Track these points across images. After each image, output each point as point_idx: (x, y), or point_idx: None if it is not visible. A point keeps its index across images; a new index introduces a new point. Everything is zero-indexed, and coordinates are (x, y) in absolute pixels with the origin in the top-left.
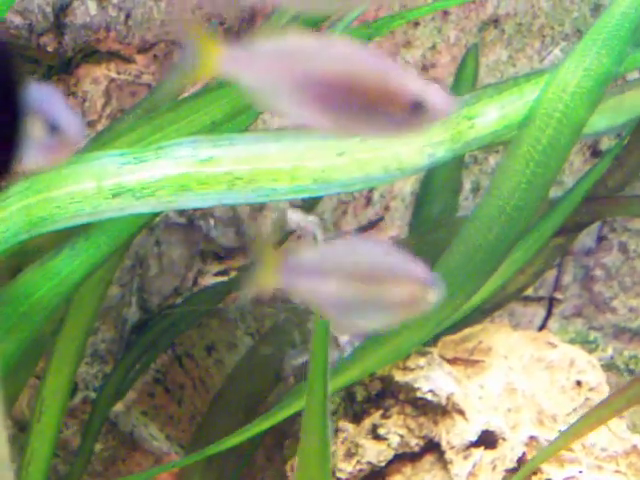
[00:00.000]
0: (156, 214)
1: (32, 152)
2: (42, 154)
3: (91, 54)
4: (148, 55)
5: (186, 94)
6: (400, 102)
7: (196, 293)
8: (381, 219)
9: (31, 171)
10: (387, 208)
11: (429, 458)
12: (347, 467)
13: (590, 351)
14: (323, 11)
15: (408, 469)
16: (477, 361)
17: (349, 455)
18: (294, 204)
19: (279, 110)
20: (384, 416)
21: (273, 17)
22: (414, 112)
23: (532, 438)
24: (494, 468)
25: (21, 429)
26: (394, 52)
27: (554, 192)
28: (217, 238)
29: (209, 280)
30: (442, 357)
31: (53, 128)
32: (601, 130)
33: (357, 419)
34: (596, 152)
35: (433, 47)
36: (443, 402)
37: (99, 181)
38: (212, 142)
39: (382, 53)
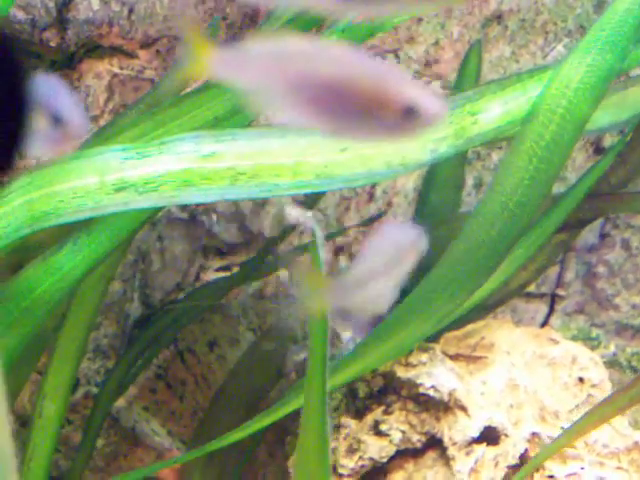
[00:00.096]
0: (158, 209)
1: (36, 144)
2: (46, 146)
3: (94, 49)
4: (151, 50)
5: (189, 89)
6: (393, 107)
7: (198, 288)
8: (383, 214)
9: (34, 164)
10: (390, 204)
11: (431, 454)
12: (349, 463)
13: (592, 348)
14: (323, 11)
15: (410, 465)
16: (479, 357)
17: (351, 451)
18: (296, 200)
19: (272, 113)
20: (386, 412)
21: (274, 14)
22: (407, 117)
23: (534, 434)
24: (496, 464)
25: (23, 424)
26: (397, 48)
27: (557, 188)
28: (219, 233)
29: (211, 275)
30: (444, 353)
31: (57, 120)
32: (604, 126)
33: (359, 415)
34: (599, 149)
35: (436, 43)
36: (445, 398)
37: (102, 176)
38: (215, 137)
39: (376, 56)
